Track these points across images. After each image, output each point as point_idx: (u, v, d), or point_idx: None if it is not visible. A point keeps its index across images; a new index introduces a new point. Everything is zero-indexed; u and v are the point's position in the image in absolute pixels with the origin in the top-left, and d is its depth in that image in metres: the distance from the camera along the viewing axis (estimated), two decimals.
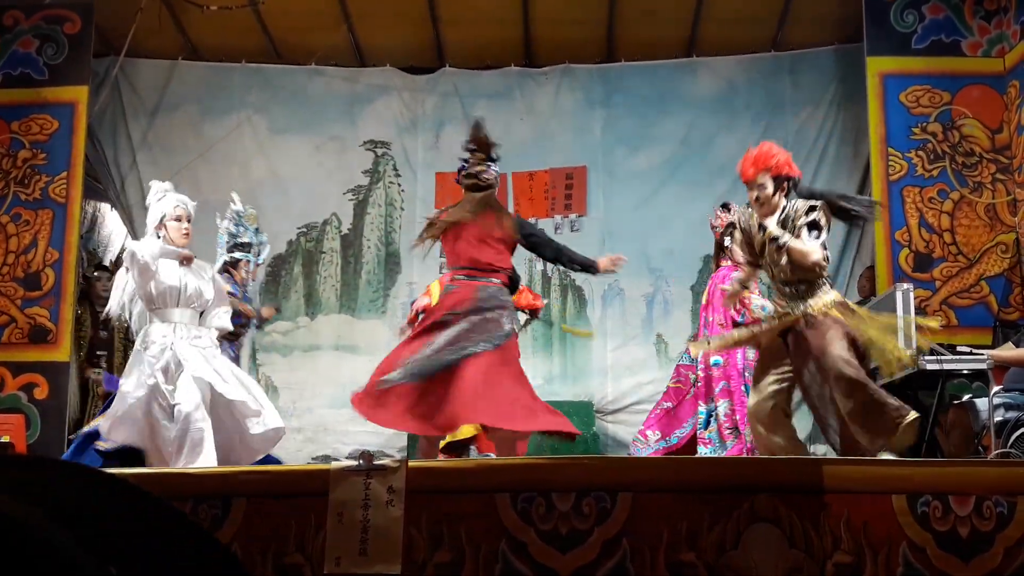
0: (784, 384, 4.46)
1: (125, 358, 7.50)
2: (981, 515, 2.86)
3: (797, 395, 4.57)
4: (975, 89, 7.10)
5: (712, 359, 6.22)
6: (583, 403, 7.79)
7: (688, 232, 7.98)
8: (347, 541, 2.80)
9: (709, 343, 5.64)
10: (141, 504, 0.68)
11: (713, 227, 6.60)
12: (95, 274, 7.82)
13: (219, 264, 6.26)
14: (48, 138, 7.34)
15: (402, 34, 8.45)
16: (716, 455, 5.90)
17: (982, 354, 5.71)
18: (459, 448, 4.71)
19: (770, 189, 4.48)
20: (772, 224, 4.40)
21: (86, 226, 7.92)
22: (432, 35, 8.45)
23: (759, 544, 2.79)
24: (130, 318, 5.31)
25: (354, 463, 2.89)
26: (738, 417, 6.00)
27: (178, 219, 5.18)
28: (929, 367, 5.73)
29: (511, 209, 7.63)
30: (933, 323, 4.89)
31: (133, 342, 5.31)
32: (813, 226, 4.34)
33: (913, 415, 4.09)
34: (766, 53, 8.49)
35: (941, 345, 5.94)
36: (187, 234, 5.22)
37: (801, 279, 4.42)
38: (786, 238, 4.34)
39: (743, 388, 6.07)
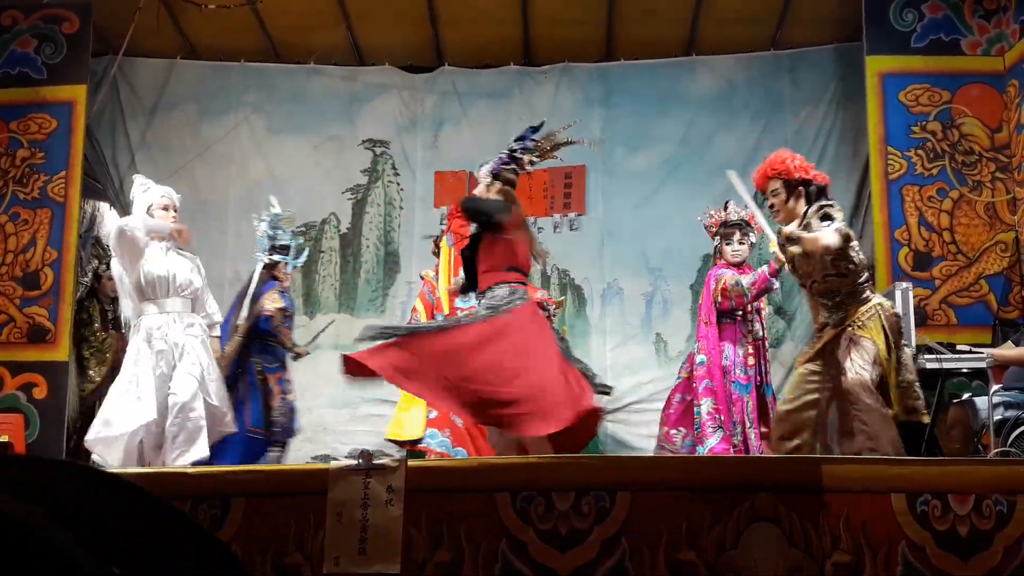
0: (812, 395, 4.36)
1: None
2: (980, 514, 2.86)
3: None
4: (974, 88, 7.10)
5: (698, 358, 6.24)
6: None
7: (687, 231, 7.96)
8: (346, 540, 2.80)
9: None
10: (141, 503, 0.68)
11: (706, 227, 6.60)
12: (107, 271, 7.81)
13: (259, 267, 6.25)
14: (46, 137, 7.33)
15: (401, 33, 8.44)
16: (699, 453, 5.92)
17: (981, 353, 5.72)
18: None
19: (783, 195, 4.44)
20: (786, 229, 4.31)
21: (85, 225, 7.91)
22: (431, 34, 8.44)
23: (759, 543, 2.79)
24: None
25: (353, 462, 2.89)
26: (722, 417, 6.01)
27: (165, 208, 5.25)
28: (928, 366, 5.73)
29: None
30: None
31: None
32: (825, 216, 4.26)
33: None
34: (765, 52, 8.49)
35: (941, 344, 5.95)
36: (175, 223, 5.31)
37: (837, 288, 4.35)
38: (798, 232, 4.25)
39: (730, 386, 6.08)
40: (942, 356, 5.78)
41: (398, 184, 8.64)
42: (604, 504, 2.82)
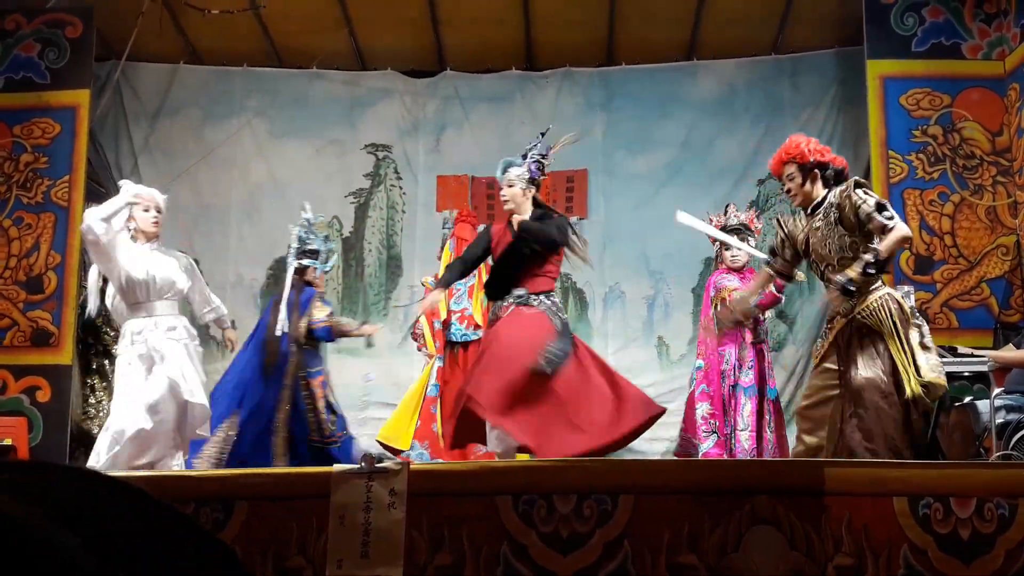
0: (828, 391, 4.34)
1: None
2: (982, 517, 2.86)
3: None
4: (975, 92, 7.10)
5: (697, 362, 6.27)
6: None
7: (689, 234, 7.94)
8: (349, 544, 2.80)
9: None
10: (142, 506, 0.68)
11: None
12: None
13: (291, 271, 6.26)
14: (50, 142, 7.35)
15: (403, 37, 8.46)
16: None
17: (983, 356, 5.72)
18: None
19: (799, 179, 4.45)
20: (854, 272, 4.18)
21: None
22: (433, 38, 8.46)
23: (760, 546, 2.79)
24: (113, 313, 5.39)
25: (356, 466, 2.90)
26: (716, 423, 6.02)
27: (146, 209, 5.21)
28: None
29: None
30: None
31: None
32: (880, 207, 4.22)
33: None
34: (766, 56, 8.50)
35: (942, 347, 5.95)
36: (156, 223, 5.27)
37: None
38: (870, 253, 4.17)
39: (728, 390, 6.09)
40: (944, 359, 5.78)
41: (400, 188, 8.66)
42: (606, 507, 2.82)
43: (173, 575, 0.66)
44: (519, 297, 4.82)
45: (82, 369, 7.51)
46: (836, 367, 4.33)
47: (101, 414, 7.28)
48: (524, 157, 5.07)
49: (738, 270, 6.36)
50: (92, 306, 5.37)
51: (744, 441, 5.98)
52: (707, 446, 5.98)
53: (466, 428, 4.79)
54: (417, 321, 6.73)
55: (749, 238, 6.38)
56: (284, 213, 8.49)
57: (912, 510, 2.85)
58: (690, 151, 8.44)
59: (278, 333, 5.99)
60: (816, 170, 4.43)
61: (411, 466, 2.91)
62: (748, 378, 6.12)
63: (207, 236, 8.43)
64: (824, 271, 4.45)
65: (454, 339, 6.66)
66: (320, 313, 6.19)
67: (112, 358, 6.90)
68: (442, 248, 7.05)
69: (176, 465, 5.07)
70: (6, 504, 0.60)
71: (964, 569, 2.82)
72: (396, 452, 6.18)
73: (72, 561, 0.59)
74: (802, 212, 4.54)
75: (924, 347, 4.22)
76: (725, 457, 5.85)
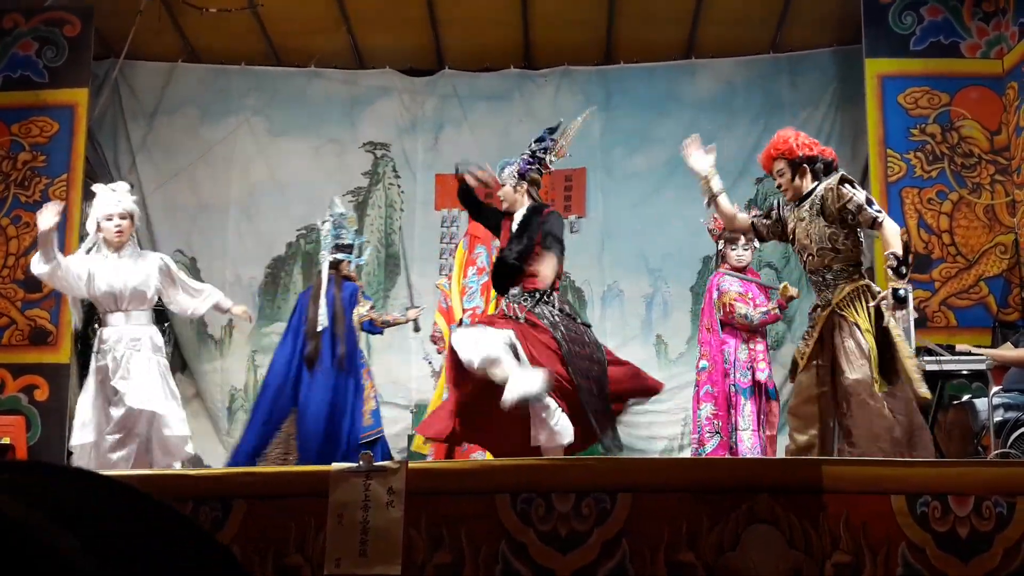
0: (814, 389, 4.36)
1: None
2: (980, 515, 2.86)
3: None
4: (974, 90, 7.11)
5: (700, 363, 6.26)
6: None
7: (687, 233, 7.98)
8: (347, 542, 2.80)
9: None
10: (141, 506, 0.68)
11: (710, 231, 6.61)
12: None
13: (325, 266, 6.28)
14: (48, 140, 7.35)
15: (401, 36, 8.46)
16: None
17: (981, 354, 5.72)
18: None
19: (788, 174, 4.50)
20: (901, 284, 4.14)
21: (86, 228, 7.94)
22: (431, 37, 8.46)
23: (758, 544, 2.80)
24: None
25: (354, 464, 2.90)
26: (720, 422, 6.02)
27: (109, 218, 5.18)
28: (928, 367, 5.73)
29: None
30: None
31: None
32: (868, 201, 4.28)
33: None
34: (765, 55, 8.50)
35: (940, 346, 5.95)
36: (120, 231, 5.19)
37: (829, 264, 4.39)
38: (890, 255, 4.16)
39: (731, 391, 6.09)
40: (942, 358, 5.78)
41: (399, 187, 8.65)
42: (605, 506, 2.82)
43: (172, 575, 0.66)
44: (514, 296, 4.85)
45: (80, 368, 7.50)
46: (822, 363, 4.35)
47: None
48: (523, 154, 5.09)
49: (741, 269, 6.37)
50: (76, 318, 5.44)
51: (746, 441, 5.98)
52: (710, 447, 5.98)
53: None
54: (435, 327, 6.74)
55: (753, 239, 6.37)
56: (282, 212, 8.51)
57: (910, 508, 2.86)
58: None
59: (320, 328, 6.00)
60: (805, 164, 4.48)
61: (409, 465, 2.91)
62: (747, 378, 6.12)
63: (205, 234, 8.42)
64: (806, 261, 4.51)
65: None
66: (365, 309, 6.23)
67: None
68: (454, 247, 7.06)
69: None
70: (5, 504, 0.60)
71: (962, 567, 2.82)
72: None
73: (71, 562, 0.59)
74: (793, 204, 4.58)
75: (909, 360, 4.23)
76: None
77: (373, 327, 6.33)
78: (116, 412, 4.97)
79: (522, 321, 4.68)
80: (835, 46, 8.27)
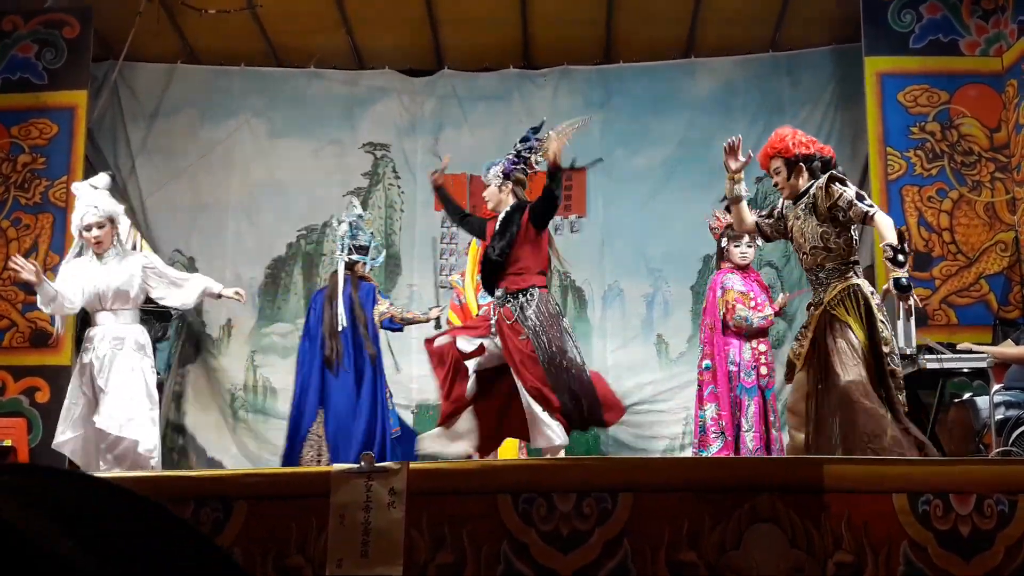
0: (807, 385, 4.37)
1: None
2: (982, 514, 2.86)
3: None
4: (973, 88, 7.11)
5: (704, 363, 6.26)
6: None
7: (688, 232, 7.98)
8: (348, 543, 2.80)
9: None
10: (140, 509, 0.68)
11: (712, 229, 6.61)
12: None
13: (341, 267, 6.30)
14: (48, 142, 7.35)
15: (401, 36, 8.46)
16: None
17: (982, 352, 5.72)
18: None
19: (784, 172, 4.49)
20: (901, 272, 4.15)
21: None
22: (431, 37, 8.46)
23: (760, 544, 2.79)
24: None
25: (355, 465, 2.90)
26: (724, 423, 6.02)
27: (87, 228, 5.24)
28: (929, 366, 5.74)
29: None
30: None
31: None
32: (859, 196, 4.28)
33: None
34: (764, 53, 8.50)
35: (941, 344, 5.95)
36: (99, 241, 5.26)
37: (822, 263, 4.39)
38: (886, 246, 4.17)
39: (736, 391, 6.09)
40: (943, 356, 5.78)
41: (399, 187, 8.65)
42: (606, 505, 2.82)
43: (172, 573, 0.66)
44: (499, 298, 4.92)
45: None
46: (816, 362, 4.36)
47: None
48: (508, 154, 5.12)
49: (743, 268, 6.37)
50: (59, 324, 5.68)
51: (749, 442, 5.98)
52: (714, 448, 5.98)
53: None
54: (449, 324, 6.77)
55: (756, 236, 6.38)
56: (283, 212, 8.52)
57: (912, 507, 2.85)
58: (688, 149, 8.44)
59: (340, 328, 6.05)
60: (801, 163, 4.47)
61: (410, 465, 2.91)
62: (751, 378, 6.12)
63: (205, 235, 8.43)
64: (802, 259, 4.54)
65: None
66: (381, 306, 6.25)
67: None
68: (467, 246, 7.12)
69: None
70: (6, 506, 0.60)
71: (964, 566, 2.82)
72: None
73: (71, 562, 0.59)
74: (791, 202, 4.58)
75: (887, 367, 4.22)
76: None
77: (393, 324, 6.35)
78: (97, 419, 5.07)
79: (502, 324, 4.75)
80: (834, 44, 8.27)
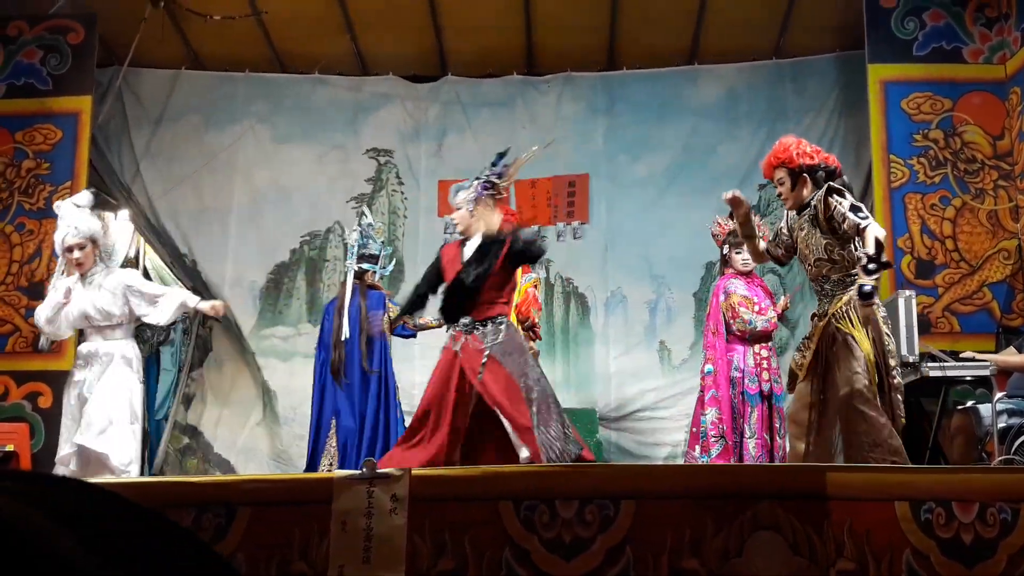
0: (809, 396, 4.36)
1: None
2: (985, 522, 2.86)
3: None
4: (976, 96, 7.10)
5: (706, 367, 6.26)
6: (587, 410, 7.78)
7: (691, 239, 7.98)
8: (350, 549, 2.80)
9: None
10: (140, 515, 0.69)
11: (714, 235, 6.62)
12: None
13: (350, 276, 6.31)
14: (52, 148, 7.36)
15: (404, 43, 8.48)
16: (703, 463, 5.93)
17: (985, 360, 5.71)
18: None
19: (788, 183, 4.46)
20: (868, 280, 4.13)
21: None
22: (434, 43, 8.47)
23: (762, 551, 2.79)
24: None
25: (357, 471, 2.90)
26: (724, 427, 6.01)
27: (69, 249, 5.27)
28: (932, 373, 5.73)
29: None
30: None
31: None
32: (854, 208, 4.23)
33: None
34: (767, 60, 8.51)
35: (944, 352, 5.95)
36: (80, 263, 5.29)
37: (827, 274, 4.39)
38: (861, 254, 4.15)
39: (738, 396, 6.09)
40: (945, 364, 5.78)
41: (402, 193, 8.66)
42: (608, 512, 2.82)
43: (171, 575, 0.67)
44: (466, 326, 4.88)
45: None
46: (819, 373, 4.35)
47: None
48: (476, 179, 5.13)
49: (747, 274, 6.37)
50: (44, 342, 5.79)
51: (752, 449, 5.97)
52: (715, 452, 5.98)
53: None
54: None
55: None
56: (286, 218, 8.53)
57: (914, 514, 2.85)
58: (692, 156, 8.44)
59: (343, 338, 6.08)
60: (805, 174, 4.44)
61: (412, 471, 2.91)
62: (754, 385, 6.12)
63: (209, 240, 8.44)
64: (807, 270, 4.53)
65: None
66: (392, 313, 6.29)
67: None
68: None
69: None
70: (6, 506, 0.61)
71: (967, 573, 2.82)
72: None
73: (72, 562, 0.59)
74: (795, 213, 4.57)
75: (893, 380, 4.20)
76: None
77: (405, 330, 6.36)
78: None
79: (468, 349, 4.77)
80: (838, 52, 8.27)
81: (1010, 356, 5.78)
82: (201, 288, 8.13)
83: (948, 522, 2.84)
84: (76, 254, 5.25)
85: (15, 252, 7.20)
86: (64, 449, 5.21)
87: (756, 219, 6.74)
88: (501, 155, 5.22)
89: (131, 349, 5.39)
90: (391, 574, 2.77)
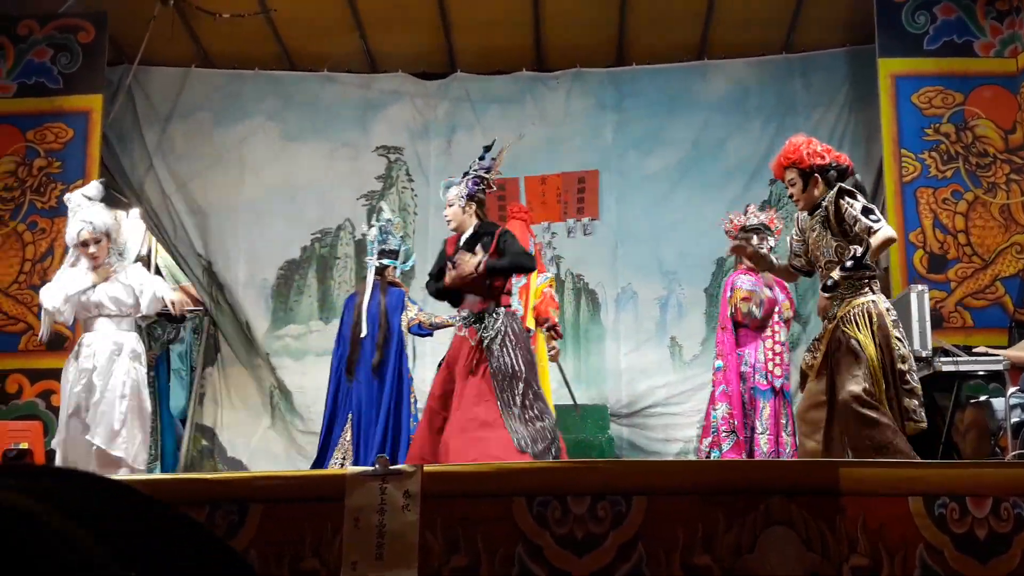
0: (819, 395, 4.34)
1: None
2: (999, 517, 2.85)
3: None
4: (988, 89, 7.07)
5: (716, 363, 6.26)
6: (598, 407, 7.78)
7: (701, 235, 7.98)
8: (363, 546, 2.81)
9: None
10: (154, 509, 0.69)
11: (726, 232, 6.61)
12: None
13: (371, 273, 6.33)
14: (63, 146, 7.39)
15: (414, 40, 8.48)
16: (714, 458, 5.93)
17: (998, 355, 5.69)
18: None
19: (800, 183, 4.41)
20: (837, 273, 4.17)
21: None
22: (443, 40, 8.47)
23: (775, 547, 2.79)
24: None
25: (370, 468, 2.90)
26: (735, 422, 6.01)
27: (84, 244, 5.31)
28: (945, 368, 5.71)
29: None
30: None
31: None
32: (866, 211, 4.19)
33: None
34: (777, 55, 8.49)
35: (957, 346, 5.93)
36: (95, 256, 5.35)
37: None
38: (852, 250, 4.19)
39: (749, 392, 6.08)
40: (958, 358, 5.76)
41: (412, 190, 8.67)
42: (620, 508, 2.82)
43: (184, 572, 0.67)
44: (465, 319, 4.95)
45: None
46: (826, 374, 4.33)
47: None
48: (465, 175, 5.14)
49: (756, 271, 6.37)
50: (44, 333, 5.69)
51: (763, 445, 5.97)
52: (726, 447, 5.97)
53: None
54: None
55: (769, 238, 6.37)
56: (296, 216, 8.55)
57: (928, 510, 2.84)
58: (702, 151, 8.43)
59: (362, 334, 6.09)
60: (816, 174, 4.38)
61: (425, 468, 2.91)
62: (765, 381, 6.11)
63: (219, 237, 8.46)
64: (819, 272, 4.50)
65: None
66: (410, 311, 6.30)
67: None
68: None
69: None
70: (21, 500, 0.61)
71: (981, 569, 2.81)
72: None
73: (84, 552, 0.59)
74: (806, 214, 4.53)
75: (906, 385, 4.16)
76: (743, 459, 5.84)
77: (422, 329, 6.37)
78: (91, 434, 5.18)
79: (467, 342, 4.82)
80: (848, 46, 8.25)
81: (1022, 350, 5.76)
82: (215, 287, 8.18)
83: (962, 517, 2.83)
84: (92, 248, 5.32)
85: (27, 251, 7.23)
86: (61, 434, 5.28)
87: (770, 212, 6.75)
88: (487, 148, 5.24)
89: (139, 343, 5.49)
90: (404, 570, 2.77)
